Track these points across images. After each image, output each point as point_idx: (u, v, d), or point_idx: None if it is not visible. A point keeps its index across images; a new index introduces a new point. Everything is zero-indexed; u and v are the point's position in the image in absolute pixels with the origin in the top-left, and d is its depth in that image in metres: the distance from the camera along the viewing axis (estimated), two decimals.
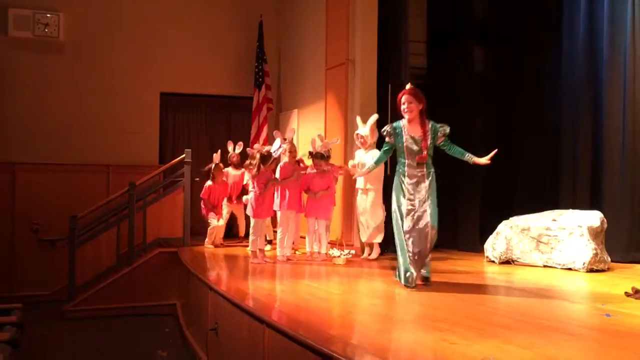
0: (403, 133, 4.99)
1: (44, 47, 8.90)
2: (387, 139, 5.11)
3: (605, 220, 6.14)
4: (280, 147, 6.73)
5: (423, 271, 4.99)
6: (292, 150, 6.72)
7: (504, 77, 8.27)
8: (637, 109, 6.66)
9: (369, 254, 6.75)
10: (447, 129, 4.99)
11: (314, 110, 8.52)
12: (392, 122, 6.99)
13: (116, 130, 9.09)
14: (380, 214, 6.65)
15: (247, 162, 6.73)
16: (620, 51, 6.85)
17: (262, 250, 6.53)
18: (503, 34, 8.27)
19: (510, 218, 6.65)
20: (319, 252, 6.76)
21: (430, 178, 4.94)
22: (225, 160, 8.09)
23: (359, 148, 6.83)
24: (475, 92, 8.07)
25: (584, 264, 5.85)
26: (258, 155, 6.43)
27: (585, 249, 5.89)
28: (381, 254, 6.78)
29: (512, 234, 6.44)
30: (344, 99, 7.50)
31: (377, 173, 6.53)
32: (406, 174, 4.96)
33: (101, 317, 7.23)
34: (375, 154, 6.63)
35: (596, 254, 5.87)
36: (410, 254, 4.86)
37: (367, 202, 6.68)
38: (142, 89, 9.31)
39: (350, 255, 6.50)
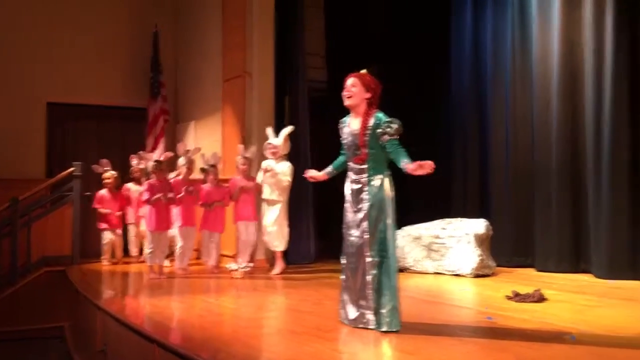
0: (345, 126, 3.97)
1: None
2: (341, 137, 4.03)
3: (490, 227, 6.50)
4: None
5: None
6: (189, 167, 6.66)
7: (400, 93, 8.56)
8: (518, 125, 7.14)
9: (274, 269, 6.66)
10: (394, 126, 3.74)
11: (211, 122, 8.39)
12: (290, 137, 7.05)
13: None
14: (285, 226, 6.62)
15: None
16: (502, 69, 7.34)
17: (160, 266, 6.37)
18: (398, 51, 8.57)
19: (403, 227, 6.86)
20: (213, 265, 6.68)
21: (373, 187, 3.77)
22: (126, 174, 7.79)
23: (268, 158, 6.62)
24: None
25: (470, 269, 6.15)
26: (152, 163, 6.44)
27: (471, 256, 6.20)
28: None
29: (404, 243, 6.65)
30: (241, 112, 7.45)
31: (285, 184, 6.52)
32: (348, 179, 3.91)
33: None
34: (285, 165, 6.63)
35: (482, 260, 6.20)
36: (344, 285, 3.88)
37: (272, 212, 6.58)
38: (27, 98, 8.73)
39: (248, 269, 6.44)
